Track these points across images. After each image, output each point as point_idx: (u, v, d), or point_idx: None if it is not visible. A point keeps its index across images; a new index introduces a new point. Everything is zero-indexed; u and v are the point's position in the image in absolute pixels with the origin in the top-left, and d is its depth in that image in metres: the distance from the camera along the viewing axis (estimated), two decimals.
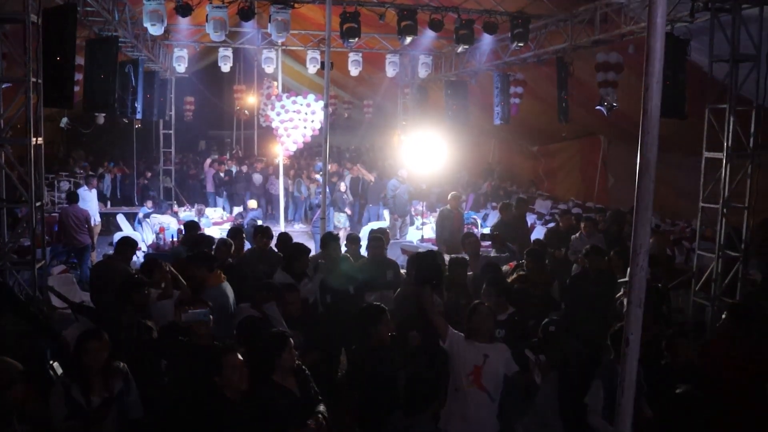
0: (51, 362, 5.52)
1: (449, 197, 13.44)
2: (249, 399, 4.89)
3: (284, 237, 9.96)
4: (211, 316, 5.75)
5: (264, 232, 9.47)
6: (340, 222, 18.29)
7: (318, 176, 20.31)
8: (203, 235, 10.80)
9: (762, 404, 5.75)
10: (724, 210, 9.33)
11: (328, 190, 12.74)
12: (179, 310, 5.96)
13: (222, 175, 22.48)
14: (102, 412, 4.87)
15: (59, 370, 5.37)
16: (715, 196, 9.47)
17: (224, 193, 22.19)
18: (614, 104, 11.79)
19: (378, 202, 19.70)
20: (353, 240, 9.75)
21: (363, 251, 9.66)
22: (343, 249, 9.28)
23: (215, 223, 16.59)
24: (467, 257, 8.76)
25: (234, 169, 23.44)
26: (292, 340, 5.25)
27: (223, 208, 20.23)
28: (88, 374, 4.97)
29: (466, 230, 13.52)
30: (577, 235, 11.10)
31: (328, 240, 8.66)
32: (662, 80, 3.39)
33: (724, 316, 6.12)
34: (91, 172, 21.96)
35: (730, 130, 9.11)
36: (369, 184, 20.21)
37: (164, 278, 7.02)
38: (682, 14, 9.68)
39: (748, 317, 6.10)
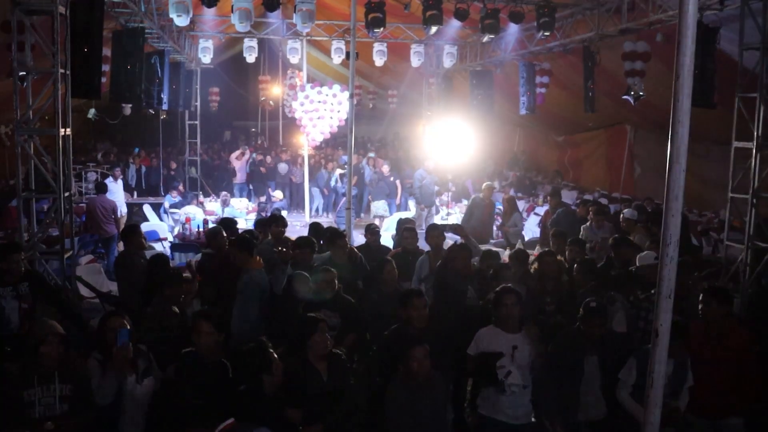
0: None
1: (483, 187, 13.80)
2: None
3: (315, 226, 9.97)
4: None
5: (278, 221, 9.30)
6: (379, 210, 18.31)
7: (341, 170, 20.31)
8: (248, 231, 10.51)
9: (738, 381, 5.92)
10: (754, 200, 9.22)
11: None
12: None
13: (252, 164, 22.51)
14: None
15: None
16: (744, 186, 9.36)
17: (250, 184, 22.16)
18: (641, 94, 11.67)
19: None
20: (373, 231, 9.64)
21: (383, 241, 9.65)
22: (363, 239, 9.27)
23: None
24: (498, 251, 8.77)
25: (254, 157, 23.44)
26: (324, 324, 5.32)
27: (249, 199, 20.26)
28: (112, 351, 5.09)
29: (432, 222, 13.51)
30: (587, 224, 10.94)
31: (335, 238, 8.37)
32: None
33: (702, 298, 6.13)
34: (116, 164, 22.09)
35: (761, 119, 9.00)
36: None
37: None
38: (711, 2, 9.54)
39: (727, 299, 6.15)
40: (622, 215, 10.68)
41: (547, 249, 8.48)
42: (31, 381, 4.71)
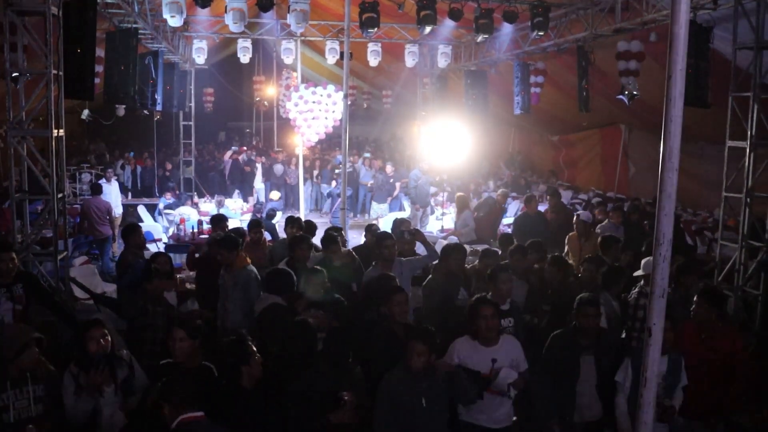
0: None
1: (498, 192, 14.39)
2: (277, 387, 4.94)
3: (307, 223, 10.00)
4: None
5: (294, 222, 9.41)
6: (384, 212, 18.37)
7: (337, 170, 20.36)
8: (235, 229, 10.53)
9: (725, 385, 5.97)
10: (748, 199, 9.22)
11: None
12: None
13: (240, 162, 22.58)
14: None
15: None
16: (738, 185, 9.37)
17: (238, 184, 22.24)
18: (635, 93, 11.68)
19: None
20: (374, 232, 9.41)
21: None
22: (359, 240, 9.21)
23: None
24: (497, 250, 8.74)
25: (246, 158, 23.53)
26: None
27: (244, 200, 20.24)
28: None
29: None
30: (605, 222, 11.34)
31: (329, 242, 8.28)
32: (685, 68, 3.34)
33: (695, 299, 6.15)
34: (109, 165, 22.06)
35: (754, 119, 9.01)
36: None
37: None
38: (705, 1, 9.56)
39: (720, 301, 6.20)
40: (576, 216, 10.65)
41: (557, 254, 8.41)
42: (3, 385, 4.64)
